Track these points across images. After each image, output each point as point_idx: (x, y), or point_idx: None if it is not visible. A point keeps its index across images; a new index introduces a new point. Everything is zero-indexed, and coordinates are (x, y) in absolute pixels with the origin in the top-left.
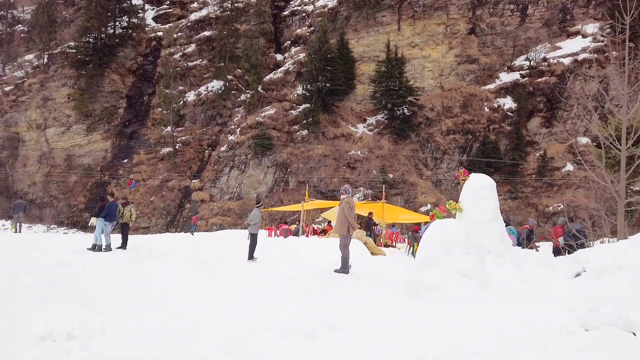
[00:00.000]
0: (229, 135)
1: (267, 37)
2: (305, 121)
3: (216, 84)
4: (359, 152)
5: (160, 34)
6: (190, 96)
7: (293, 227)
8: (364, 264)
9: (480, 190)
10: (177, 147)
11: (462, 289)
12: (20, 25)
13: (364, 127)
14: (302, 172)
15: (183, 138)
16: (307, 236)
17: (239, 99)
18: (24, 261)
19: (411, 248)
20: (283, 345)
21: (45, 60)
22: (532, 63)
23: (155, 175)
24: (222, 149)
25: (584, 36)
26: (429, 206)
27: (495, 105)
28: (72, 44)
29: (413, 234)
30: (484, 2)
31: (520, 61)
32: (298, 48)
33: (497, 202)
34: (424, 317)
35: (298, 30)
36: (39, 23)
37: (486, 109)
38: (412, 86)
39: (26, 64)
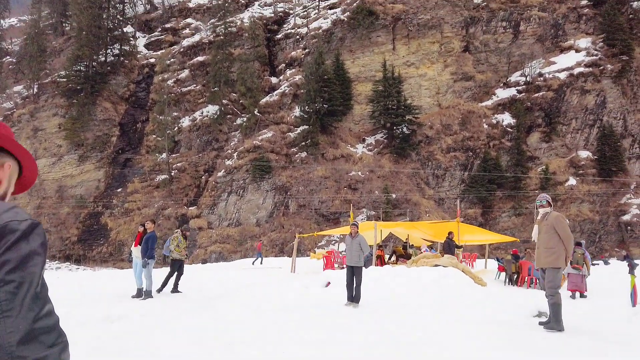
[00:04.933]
0: (225, 160)
1: (261, 60)
2: (303, 143)
3: (211, 109)
4: (359, 173)
5: (152, 60)
6: (185, 122)
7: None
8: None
9: None
10: (172, 174)
11: None
12: (8, 57)
13: (364, 147)
14: (302, 195)
15: (179, 164)
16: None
17: (235, 123)
18: (67, 316)
19: (503, 274)
20: None
21: (35, 90)
22: (527, 78)
23: (150, 204)
24: (219, 174)
25: (577, 51)
26: None
27: (494, 121)
28: (62, 72)
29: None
30: (477, 20)
31: (515, 77)
32: (293, 70)
33: None
34: None
35: (293, 53)
36: (28, 53)
37: (485, 126)
38: (410, 105)
39: (15, 95)
